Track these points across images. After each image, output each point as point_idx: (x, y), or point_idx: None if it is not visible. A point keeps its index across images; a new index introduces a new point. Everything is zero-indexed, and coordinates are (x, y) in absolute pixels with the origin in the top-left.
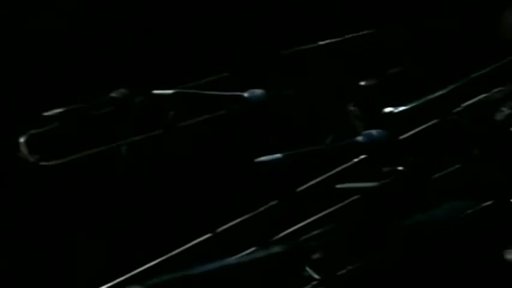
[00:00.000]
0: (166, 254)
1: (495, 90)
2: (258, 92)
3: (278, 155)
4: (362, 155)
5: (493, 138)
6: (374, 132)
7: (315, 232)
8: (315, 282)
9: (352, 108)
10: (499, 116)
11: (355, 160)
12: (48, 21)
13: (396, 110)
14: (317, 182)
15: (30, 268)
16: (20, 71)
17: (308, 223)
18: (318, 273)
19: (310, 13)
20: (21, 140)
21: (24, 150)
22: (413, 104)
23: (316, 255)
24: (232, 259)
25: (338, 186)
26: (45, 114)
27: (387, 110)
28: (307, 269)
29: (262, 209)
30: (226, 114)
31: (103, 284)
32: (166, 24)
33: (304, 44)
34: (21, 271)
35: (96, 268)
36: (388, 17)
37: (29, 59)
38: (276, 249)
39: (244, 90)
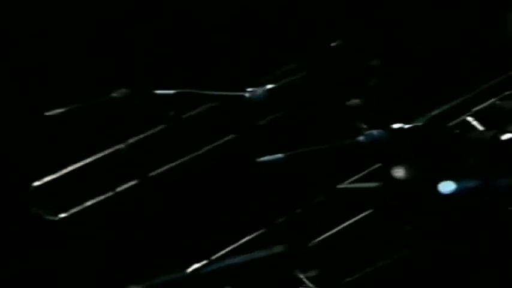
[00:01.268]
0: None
1: (506, 93)
2: (260, 91)
3: (279, 155)
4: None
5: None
6: (375, 132)
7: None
8: None
9: (354, 108)
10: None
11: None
12: (48, 21)
13: (406, 126)
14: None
15: (30, 270)
16: (20, 71)
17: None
18: (314, 283)
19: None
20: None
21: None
22: (422, 121)
23: (312, 266)
24: (233, 259)
25: (340, 186)
26: (46, 114)
27: (396, 126)
28: (303, 279)
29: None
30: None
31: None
32: (166, 24)
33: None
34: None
35: (97, 268)
36: (392, 16)
37: (29, 59)
38: (276, 249)
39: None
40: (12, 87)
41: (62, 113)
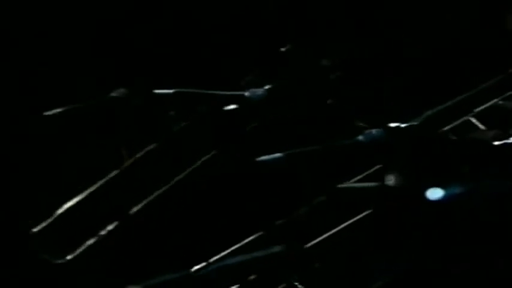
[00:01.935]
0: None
1: (508, 93)
2: (259, 91)
3: (278, 154)
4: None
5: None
6: (374, 131)
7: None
8: None
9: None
10: None
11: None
12: (48, 21)
13: (403, 125)
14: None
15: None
16: (20, 71)
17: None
18: None
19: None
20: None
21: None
22: (419, 119)
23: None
24: (232, 260)
25: (340, 186)
26: (45, 114)
27: (393, 124)
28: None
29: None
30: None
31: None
32: (166, 24)
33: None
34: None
35: (96, 268)
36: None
37: (29, 59)
38: (276, 249)
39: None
40: (12, 87)
41: (61, 113)
